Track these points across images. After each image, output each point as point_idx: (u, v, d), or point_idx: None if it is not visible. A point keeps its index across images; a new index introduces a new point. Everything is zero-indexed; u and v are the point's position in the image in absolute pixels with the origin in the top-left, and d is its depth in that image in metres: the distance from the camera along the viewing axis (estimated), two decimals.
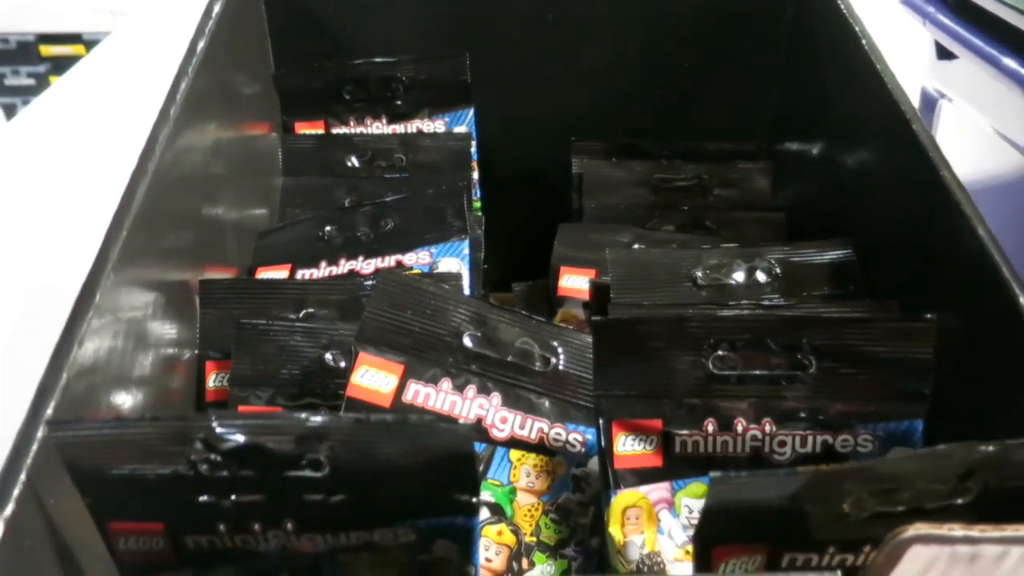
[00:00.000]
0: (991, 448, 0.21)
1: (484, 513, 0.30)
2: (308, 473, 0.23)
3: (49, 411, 0.24)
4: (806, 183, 0.47)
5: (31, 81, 1.98)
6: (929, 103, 0.53)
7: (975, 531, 0.19)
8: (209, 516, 0.24)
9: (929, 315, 0.28)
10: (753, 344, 0.29)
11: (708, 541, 0.23)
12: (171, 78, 0.35)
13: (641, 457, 0.29)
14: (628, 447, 0.29)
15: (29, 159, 0.67)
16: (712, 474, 0.21)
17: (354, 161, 0.48)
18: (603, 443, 0.29)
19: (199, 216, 0.38)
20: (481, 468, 0.30)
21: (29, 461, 0.23)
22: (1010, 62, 0.39)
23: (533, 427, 0.31)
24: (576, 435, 0.31)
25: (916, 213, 0.34)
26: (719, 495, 0.22)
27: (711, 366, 0.29)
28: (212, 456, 0.22)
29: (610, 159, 0.49)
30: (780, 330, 0.28)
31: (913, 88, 0.55)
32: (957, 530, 0.19)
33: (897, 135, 0.35)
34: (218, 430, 0.22)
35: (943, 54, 0.47)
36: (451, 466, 0.23)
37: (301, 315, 0.35)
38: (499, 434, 0.30)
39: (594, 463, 0.31)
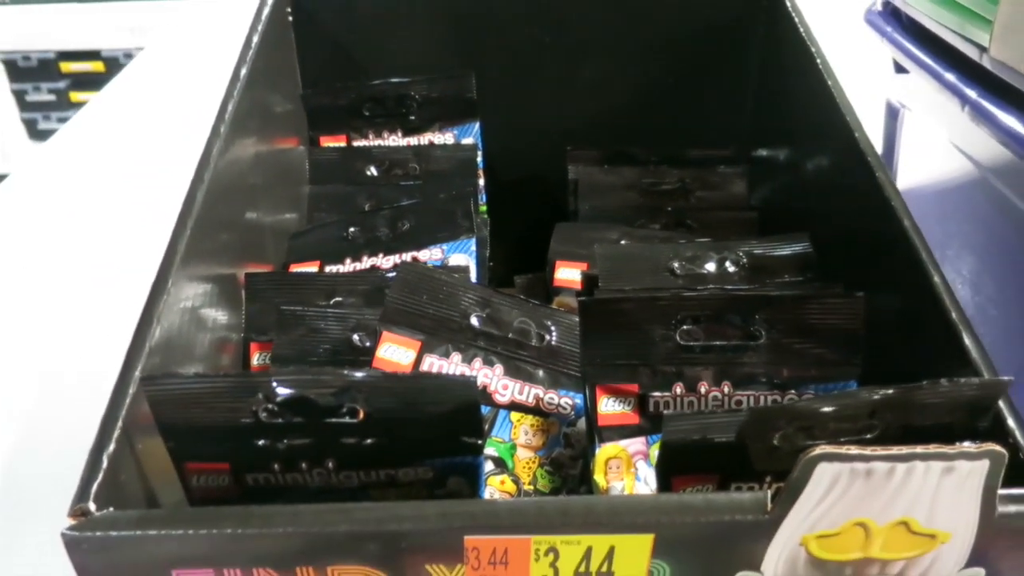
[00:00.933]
0: (891, 391, 0.27)
1: (489, 465, 0.36)
2: (346, 420, 0.28)
3: (137, 372, 0.29)
4: (776, 185, 0.52)
5: (52, 97, 2.05)
6: (893, 113, 0.59)
7: (867, 451, 0.24)
8: (266, 457, 0.29)
9: (859, 293, 0.33)
10: (714, 319, 0.34)
11: (668, 472, 0.29)
12: (218, 99, 0.41)
13: (621, 416, 0.35)
14: (610, 407, 0.35)
15: (84, 172, 0.73)
16: (667, 413, 0.26)
17: (373, 171, 0.53)
18: (588, 405, 0.35)
19: (242, 219, 0.44)
20: (487, 427, 0.36)
21: (124, 412, 0.29)
22: (950, 76, 0.44)
23: (530, 393, 0.36)
24: (567, 399, 0.36)
25: (859, 209, 0.40)
26: (673, 432, 0.27)
27: (679, 338, 0.34)
28: (270, 406, 0.28)
29: (602, 166, 0.55)
30: (736, 307, 0.34)
31: (879, 99, 0.60)
32: (853, 450, 0.24)
33: (844, 142, 0.40)
34: (275, 385, 0.28)
35: (899, 68, 0.53)
36: (460, 414, 0.28)
37: (332, 303, 0.41)
38: (501, 399, 0.36)
39: (582, 423, 0.36)
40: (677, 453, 0.28)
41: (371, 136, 0.55)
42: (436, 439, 0.29)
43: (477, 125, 0.55)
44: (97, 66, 2.04)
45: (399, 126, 0.55)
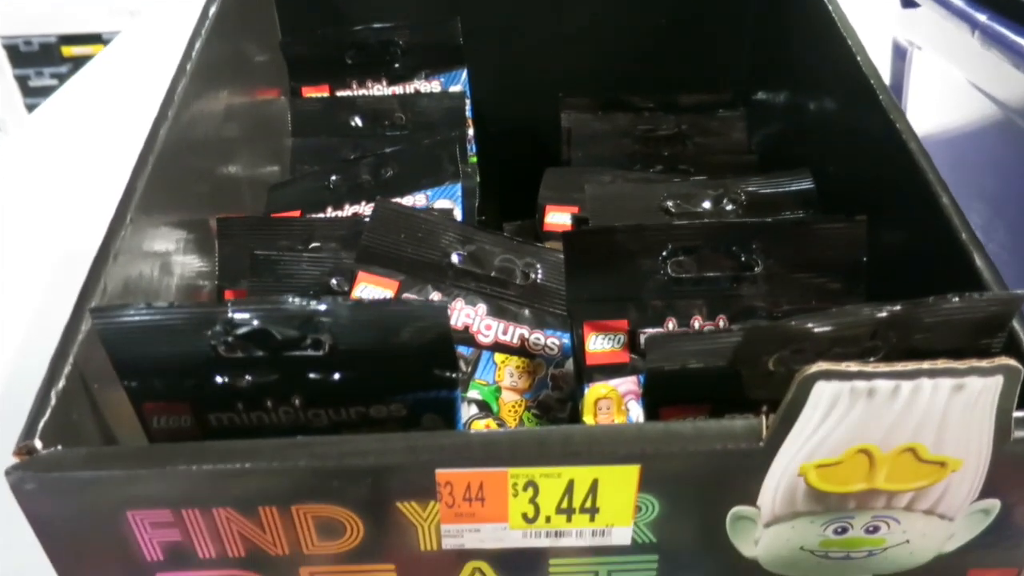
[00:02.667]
0: (896, 307, 0.25)
1: (473, 409, 0.34)
2: (310, 352, 0.27)
3: (90, 307, 0.28)
4: (777, 129, 0.50)
5: (54, 82, 2.03)
6: (900, 53, 0.56)
7: (869, 368, 0.22)
8: (228, 395, 0.27)
9: (860, 216, 0.31)
10: (707, 250, 0.32)
11: (655, 403, 0.27)
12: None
13: (610, 354, 0.33)
14: (598, 346, 0.33)
15: (65, 133, 0.71)
16: (649, 334, 0.24)
17: (358, 121, 0.51)
18: (576, 343, 0.33)
19: (217, 169, 0.42)
20: (469, 369, 0.34)
21: (76, 348, 0.27)
22: (958, 1, 0.41)
23: (515, 333, 0.34)
24: (553, 339, 0.34)
25: (866, 148, 0.37)
26: (657, 357, 0.25)
27: (670, 271, 0.32)
28: (228, 338, 0.26)
29: (596, 113, 0.53)
30: (730, 236, 0.32)
31: (885, 38, 0.57)
32: (853, 367, 0.22)
33: (850, 79, 0.38)
34: (232, 315, 0.26)
35: (907, 3, 0.50)
36: (432, 344, 0.27)
37: (309, 248, 0.39)
38: (484, 339, 0.34)
39: (570, 364, 0.34)
40: (663, 381, 0.26)
41: (355, 86, 0.53)
42: (408, 372, 0.27)
43: (465, 73, 0.53)
44: (98, 49, 2.02)
45: (384, 75, 0.52)
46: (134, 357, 0.27)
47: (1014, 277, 0.53)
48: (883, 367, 0.22)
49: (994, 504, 0.26)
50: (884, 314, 0.24)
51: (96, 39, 2.01)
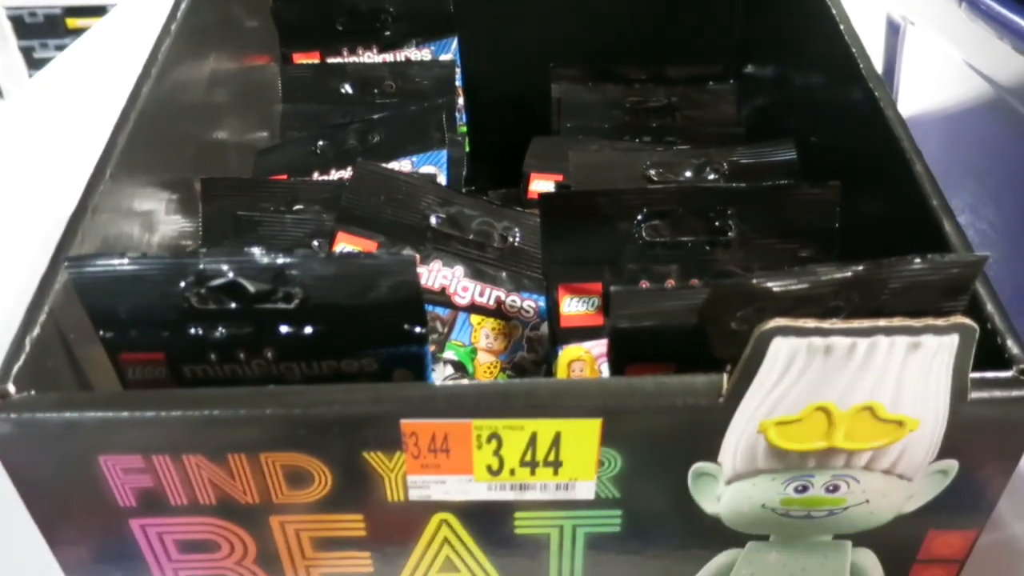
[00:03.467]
0: (859, 267, 0.25)
1: (448, 370, 0.34)
2: (281, 305, 0.27)
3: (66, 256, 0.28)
4: (766, 103, 0.50)
5: (58, 53, 2.03)
6: (894, 28, 0.56)
7: (826, 324, 0.23)
8: (201, 347, 0.28)
9: (833, 182, 0.31)
10: (681, 214, 0.32)
11: (621, 361, 0.27)
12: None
13: (584, 317, 0.33)
14: (572, 308, 0.33)
15: (63, 98, 0.71)
16: (612, 289, 0.25)
17: (348, 88, 0.52)
18: (550, 306, 0.33)
19: (203, 133, 0.42)
20: (445, 330, 0.34)
21: (51, 297, 0.27)
22: None
23: (491, 295, 0.35)
24: (529, 302, 0.35)
25: (851, 125, 0.37)
26: (621, 313, 0.25)
27: (644, 235, 0.32)
28: (201, 290, 0.27)
29: (586, 84, 0.53)
30: (704, 200, 0.32)
31: (879, 13, 0.57)
32: (810, 323, 0.23)
33: (837, 52, 0.38)
34: (203, 267, 0.27)
35: None
36: (401, 298, 0.27)
37: (292, 210, 0.39)
38: (461, 301, 0.34)
39: (545, 327, 0.35)
40: (628, 338, 0.26)
41: (345, 53, 0.53)
42: (378, 327, 0.27)
43: (455, 41, 0.53)
44: None
45: (374, 42, 0.52)
46: (109, 307, 0.27)
47: (1001, 255, 0.53)
48: (839, 324, 0.23)
49: (952, 465, 0.26)
50: (847, 274, 0.25)
51: (100, 11, 2.00)
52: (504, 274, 0.35)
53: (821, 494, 0.27)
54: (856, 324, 0.23)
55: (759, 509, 0.27)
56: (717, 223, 0.32)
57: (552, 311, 0.33)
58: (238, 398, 0.25)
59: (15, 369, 0.25)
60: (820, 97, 0.42)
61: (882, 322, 0.23)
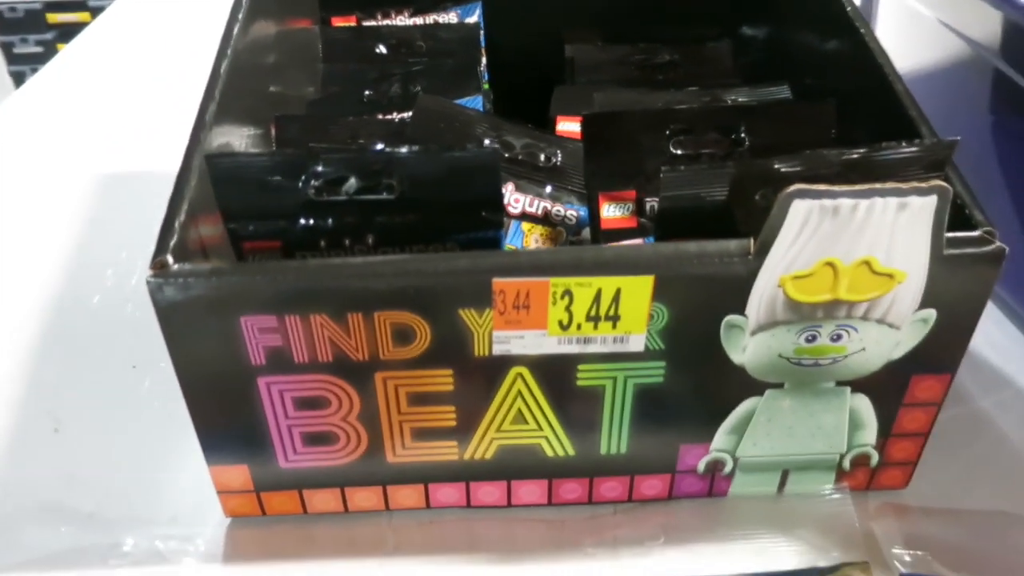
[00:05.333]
0: (858, 151, 0.31)
1: None
2: (384, 196, 0.33)
3: (197, 158, 0.33)
4: (759, 57, 0.56)
5: (39, 49, 2.04)
6: None
7: (835, 188, 0.29)
8: (313, 234, 0.33)
9: (829, 99, 0.37)
10: (702, 130, 0.38)
11: (665, 236, 0.33)
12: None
13: (621, 220, 0.39)
14: (610, 213, 0.39)
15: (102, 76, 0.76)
16: (663, 168, 0.31)
17: (382, 48, 0.57)
18: (592, 212, 0.39)
19: (263, 89, 0.48)
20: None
21: (190, 189, 0.32)
22: None
23: (539, 206, 0.40)
24: (572, 211, 0.41)
25: (839, 65, 0.44)
26: (670, 187, 0.31)
27: (672, 148, 0.38)
28: (318, 182, 0.32)
29: (597, 44, 0.59)
30: (721, 118, 0.38)
31: None
32: (822, 187, 0.29)
33: (823, 9, 0.44)
34: (321, 163, 0.32)
35: None
36: (483, 188, 0.33)
37: (357, 143, 0.45)
38: (513, 211, 0.40)
39: (586, 232, 0.40)
40: (673, 217, 0.32)
41: (379, 16, 0.58)
42: (461, 216, 0.33)
43: (479, 6, 0.58)
44: (84, 16, 2.03)
45: (405, 6, 0.58)
46: (238, 200, 0.33)
47: None
48: (845, 187, 0.29)
49: (931, 314, 0.32)
50: (849, 156, 0.31)
51: (81, 6, 2.01)
52: (549, 188, 0.40)
53: (827, 343, 0.33)
54: (858, 187, 0.29)
55: (776, 359, 0.33)
56: (732, 136, 0.38)
57: (593, 217, 0.39)
58: (362, 266, 0.30)
59: (171, 245, 0.30)
60: (808, 46, 0.49)
61: (877, 185, 0.29)
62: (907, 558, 0.36)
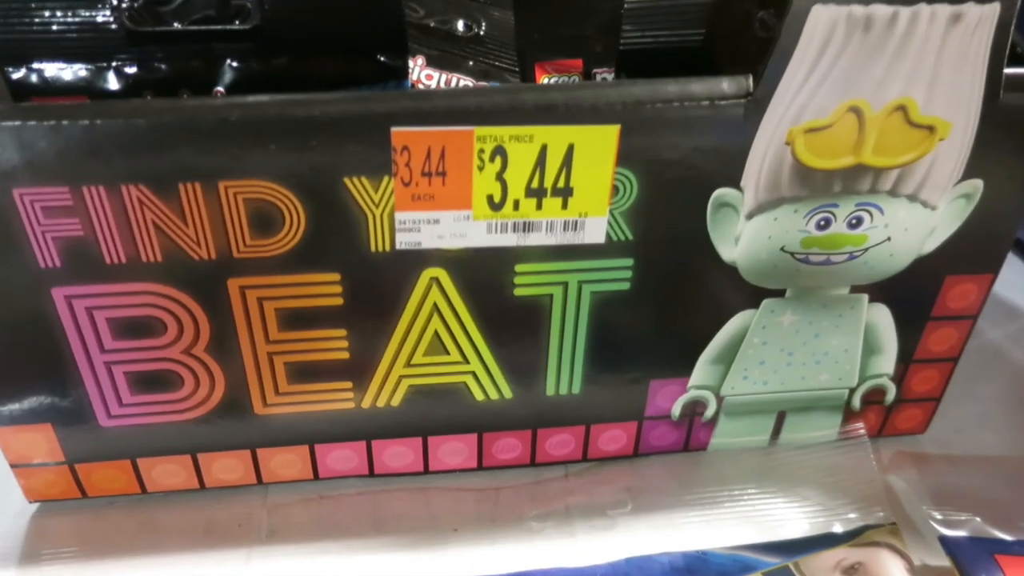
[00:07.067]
0: None
1: None
2: (237, 26, 0.23)
3: None
4: None
5: None
6: None
7: None
8: (133, 86, 0.23)
9: None
10: None
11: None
12: None
13: None
14: None
15: None
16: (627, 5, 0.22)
17: None
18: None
19: None
20: None
21: None
22: None
23: (459, 84, 0.31)
24: None
25: None
26: (634, 25, 0.23)
27: (627, 2, 0.30)
28: (132, 2, 0.22)
29: None
30: None
31: None
32: None
33: None
34: None
35: None
36: (378, 19, 0.23)
37: None
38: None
39: None
40: (635, 57, 0.24)
41: None
42: (348, 58, 0.24)
43: None
44: None
45: None
46: (13, 34, 0.22)
47: None
48: None
49: (976, 186, 0.25)
50: None
51: None
52: (471, 63, 0.32)
53: (843, 230, 0.25)
54: None
55: (777, 253, 0.25)
56: None
57: None
58: (192, 105, 0.20)
59: None
60: None
61: None
62: (940, 516, 0.28)
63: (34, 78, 0.23)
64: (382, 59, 0.24)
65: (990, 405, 0.33)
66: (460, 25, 0.32)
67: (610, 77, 0.30)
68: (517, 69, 0.31)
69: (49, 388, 0.24)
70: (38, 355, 0.24)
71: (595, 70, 0.30)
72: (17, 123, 0.20)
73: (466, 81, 0.32)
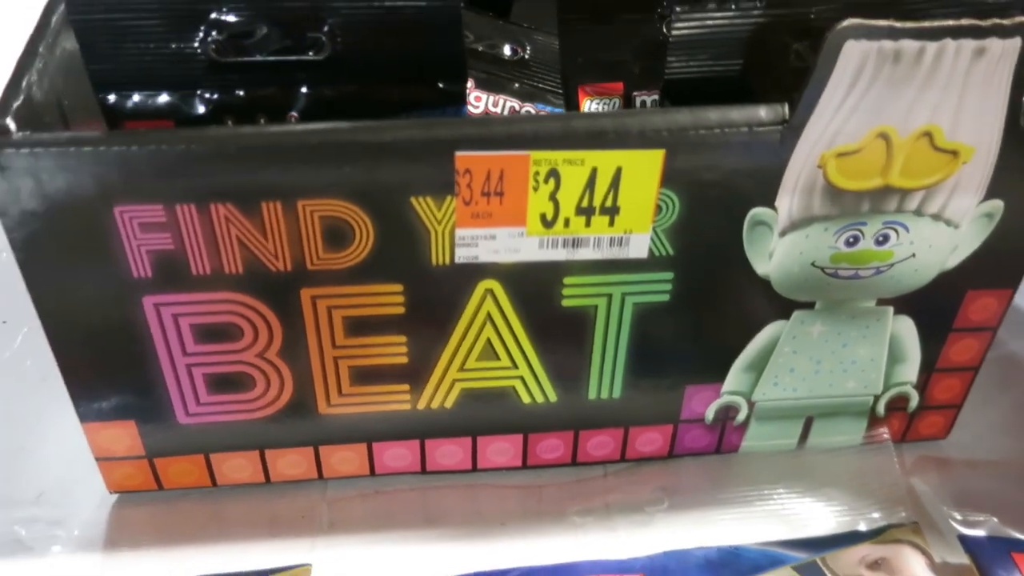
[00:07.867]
0: None
1: None
2: (310, 56, 0.25)
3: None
4: None
5: None
6: None
7: (897, 25, 0.22)
8: (216, 110, 0.26)
9: None
10: (698, 2, 0.32)
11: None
12: None
13: None
14: (593, 110, 0.32)
15: None
16: (677, 9, 0.24)
17: None
18: (569, 108, 0.32)
19: None
20: None
21: (46, 40, 0.24)
22: None
23: (506, 106, 0.33)
24: (544, 112, 0.34)
25: None
26: (682, 28, 0.24)
27: (664, 29, 0.32)
28: (218, 36, 0.24)
29: None
30: None
31: None
32: (883, 22, 0.22)
33: None
34: (224, 10, 0.24)
35: None
36: (439, 49, 0.25)
37: None
38: (474, 110, 0.33)
39: None
40: (679, 86, 0.26)
41: None
42: (412, 85, 0.26)
43: None
44: None
45: None
46: (110, 64, 0.25)
47: None
48: (910, 24, 0.22)
49: (998, 207, 0.26)
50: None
51: None
52: (517, 85, 0.33)
53: (871, 247, 0.27)
54: (927, 24, 0.22)
55: (808, 268, 0.27)
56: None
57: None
58: (278, 132, 0.23)
59: (14, 106, 0.22)
60: None
61: (950, 22, 0.22)
62: (960, 517, 0.29)
63: (124, 104, 0.25)
64: (442, 86, 0.26)
65: (1008, 412, 0.35)
66: (507, 49, 0.34)
67: (648, 99, 0.32)
68: (561, 91, 0.33)
69: (134, 388, 0.26)
70: (126, 357, 0.26)
71: (635, 93, 0.32)
72: (122, 148, 0.22)
73: (512, 103, 0.34)
